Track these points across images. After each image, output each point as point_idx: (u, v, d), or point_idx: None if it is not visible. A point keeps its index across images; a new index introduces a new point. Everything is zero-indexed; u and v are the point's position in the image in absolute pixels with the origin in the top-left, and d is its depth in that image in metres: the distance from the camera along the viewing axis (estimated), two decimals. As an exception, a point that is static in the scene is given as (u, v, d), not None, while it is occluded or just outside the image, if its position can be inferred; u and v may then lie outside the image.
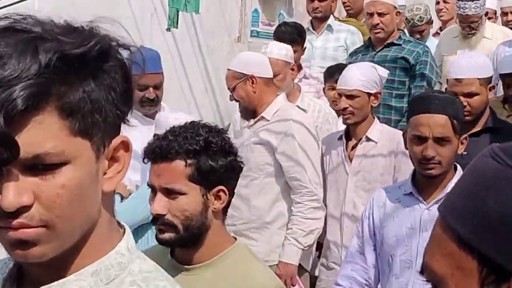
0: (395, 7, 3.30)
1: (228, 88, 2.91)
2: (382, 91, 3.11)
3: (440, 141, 1.74)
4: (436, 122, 1.73)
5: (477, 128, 2.44)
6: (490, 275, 0.52)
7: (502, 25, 4.51)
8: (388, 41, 3.24)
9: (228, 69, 2.94)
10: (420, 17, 4.36)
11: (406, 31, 3.94)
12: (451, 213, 0.56)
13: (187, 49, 3.83)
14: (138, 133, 2.81)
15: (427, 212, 1.81)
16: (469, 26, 3.78)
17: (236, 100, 2.88)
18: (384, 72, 2.48)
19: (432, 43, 4.27)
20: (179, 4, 3.29)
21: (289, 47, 3.09)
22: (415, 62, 3.19)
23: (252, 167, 2.71)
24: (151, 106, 2.96)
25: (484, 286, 0.53)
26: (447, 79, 2.64)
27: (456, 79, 2.45)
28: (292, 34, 3.36)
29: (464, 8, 3.70)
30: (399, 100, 3.18)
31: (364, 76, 2.48)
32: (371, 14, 3.21)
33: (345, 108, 2.47)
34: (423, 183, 1.82)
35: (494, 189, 0.53)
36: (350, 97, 2.47)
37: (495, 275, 0.52)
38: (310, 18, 3.98)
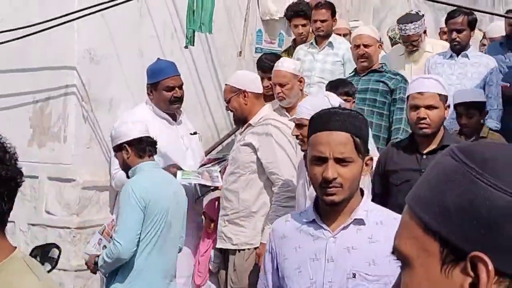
0: (378, 40, 3.56)
1: (225, 100, 3.21)
2: (366, 109, 3.39)
3: (341, 161, 1.49)
4: (336, 140, 1.49)
5: (433, 146, 2.50)
6: (450, 255, 0.57)
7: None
8: (371, 68, 3.48)
9: (226, 84, 3.28)
10: (396, 32, 4.66)
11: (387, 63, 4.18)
12: (416, 203, 0.60)
13: (202, 64, 4.13)
14: (165, 133, 3.25)
15: (332, 240, 1.53)
16: (411, 44, 4.09)
17: (231, 110, 3.18)
18: (335, 101, 2.41)
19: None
20: (195, 26, 3.53)
21: (297, 62, 3.44)
22: (394, 87, 3.41)
23: (240, 165, 3.03)
24: (179, 103, 3.34)
25: (445, 265, 0.58)
26: (407, 96, 2.73)
27: (419, 92, 2.54)
28: (272, 63, 3.56)
29: (405, 30, 4.06)
30: (379, 118, 3.43)
31: (311, 106, 2.43)
32: (358, 46, 3.45)
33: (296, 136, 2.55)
34: (326, 209, 1.55)
35: (452, 183, 0.58)
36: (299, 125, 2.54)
37: (453, 255, 0.57)
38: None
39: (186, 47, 3.60)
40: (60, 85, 3.67)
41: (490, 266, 0.55)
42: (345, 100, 3.08)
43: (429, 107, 2.49)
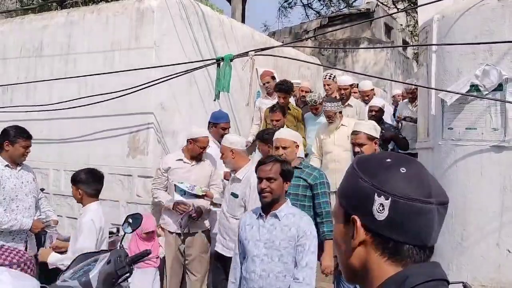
0: (294, 142, 3.50)
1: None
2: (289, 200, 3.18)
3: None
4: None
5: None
6: (346, 217, 0.91)
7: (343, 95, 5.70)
8: (292, 165, 3.24)
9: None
10: (315, 100, 5.40)
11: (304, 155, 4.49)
12: (338, 190, 0.97)
13: (225, 109, 5.25)
14: (214, 151, 4.55)
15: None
16: (329, 117, 4.79)
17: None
18: None
19: (322, 119, 5.31)
20: (220, 87, 4.55)
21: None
22: (313, 183, 3.44)
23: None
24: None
25: (345, 222, 0.92)
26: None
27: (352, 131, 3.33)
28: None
29: (326, 106, 4.82)
30: (302, 209, 3.24)
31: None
32: (278, 148, 3.48)
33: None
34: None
35: (347, 178, 0.93)
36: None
37: (347, 217, 0.91)
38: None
39: (214, 100, 4.76)
40: (144, 123, 4.87)
41: (359, 223, 0.87)
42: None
43: (359, 144, 3.31)
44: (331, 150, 4.93)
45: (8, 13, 9.38)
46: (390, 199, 0.86)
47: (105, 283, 2.50)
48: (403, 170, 0.89)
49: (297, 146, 3.54)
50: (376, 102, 5.76)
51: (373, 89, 6.54)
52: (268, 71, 6.03)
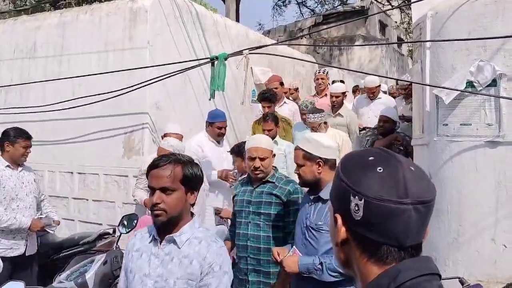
0: (271, 151, 3.10)
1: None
2: (262, 223, 2.99)
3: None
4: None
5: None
6: (335, 215, 0.94)
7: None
8: (264, 179, 3.06)
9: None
10: (306, 104, 5.06)
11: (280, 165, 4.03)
12: (329, 194, 0.99)
13: (220, 108, 5.17)
14: (214, 151, 4.57)
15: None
16: (313, 128, 4.60)
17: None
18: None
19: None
20: (214, 87, 4.59)
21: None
22: (286, 199, 3.01)
23: None
24: (222, 136, 4.57)
25: (334, 220, 0.95)
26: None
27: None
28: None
29: (309, 117, 4.63)
30: (277, 231, 3.00)
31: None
32: (254, 158, 3.02)
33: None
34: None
35: (334, 179, 0.97)
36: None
37: (335, 215, 0.95)
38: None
39: (210, 99, 4.84)
40: (139, 123, 4.94)
41: (339, 221, 0.92)
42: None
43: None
44: None
45: (1, 14, 9.35)
46: (363, 199, 0.87)
47: (102, 283, 2.53)
48: (380, 169, 0.89)
49: (274, 155, 3.12)
50: (387, 112, 5.18)
51: (379, 86, 6.13)
52: (277, 76, 5.86)
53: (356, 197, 0.87)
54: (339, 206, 0.91)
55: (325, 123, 4.65)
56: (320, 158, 2.56)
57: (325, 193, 2.52)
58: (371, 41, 12.66)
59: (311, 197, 2.61)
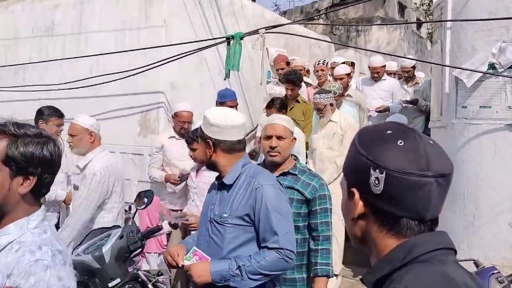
0: (291, 132, 2.67)
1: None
2: None
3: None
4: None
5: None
6: (349, 189, 0.93)
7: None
8: (284, 170, 2.63)
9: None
10: (334, 92, 4.76)
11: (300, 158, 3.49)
12: (343, 168, 0.98)
13: (235, 88, 5.11)
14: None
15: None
16: (318, 110, 4.44)
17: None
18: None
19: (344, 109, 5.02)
20: (230, 66, 4.56)
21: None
22: (312, 197, 2.57)
23: None
24: None
25: (348, 194, 0.94)
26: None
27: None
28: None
29: (315, 98, 4.48)
30: (296, 232, 2.40)
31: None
32: (269, 137, 2.63)
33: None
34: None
35: (348, 150, 0.95)
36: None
37: (350, 189, 0.92)
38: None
39: (225, 79, 4.79)
40: (155, 102, 4.98)
41: (357, 195, 0.90)
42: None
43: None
44: (316, 147, 4.58)
45: (19, -7, 9.35)
46: (384, 173, 0.86)
47: (118, 257, 2.59)
48: (401, 142, 0.88)
49: (294, 139, 2.72)
50: (397, 119, 4.90)
51: (384, 66, 5.98)
52: (283, 56, 5.80)
53: (377, 170, 0.86)
54: (356, 180, 0.90)
55: (331, 105, 4.46)
56: (210, 138, 2.17)
57: (228, 179, 2.16)
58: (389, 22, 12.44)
59: (216, 183, 2.25)
